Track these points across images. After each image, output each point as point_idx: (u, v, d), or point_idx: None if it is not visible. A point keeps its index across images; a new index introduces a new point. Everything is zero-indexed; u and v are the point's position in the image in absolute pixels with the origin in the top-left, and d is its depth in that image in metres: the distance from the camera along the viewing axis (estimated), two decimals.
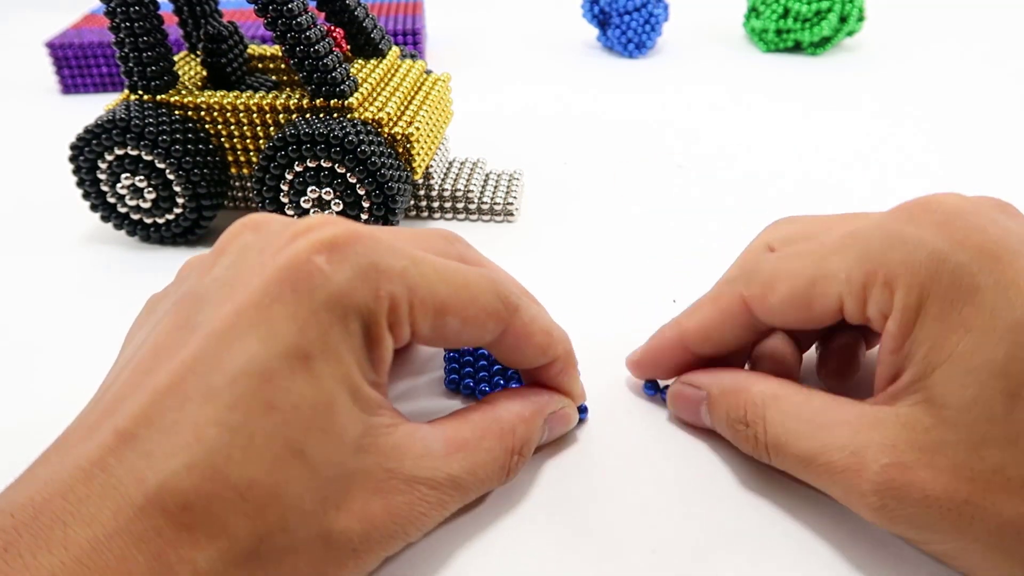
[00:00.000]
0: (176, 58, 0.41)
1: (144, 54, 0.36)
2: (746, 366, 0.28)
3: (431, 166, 0.40)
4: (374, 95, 0.38)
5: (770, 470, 0.24)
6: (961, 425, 0.19)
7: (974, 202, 0.22)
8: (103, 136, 0.36)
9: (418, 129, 0.37)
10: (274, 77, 0.43)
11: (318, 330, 0.19)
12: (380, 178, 0.35)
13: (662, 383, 0.28)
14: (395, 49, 0.41)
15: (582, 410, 0.27)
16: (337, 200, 0.35)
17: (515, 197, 0.41)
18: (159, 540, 0.17)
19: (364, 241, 0.20)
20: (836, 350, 0.27)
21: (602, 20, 0.64)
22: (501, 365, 0.27)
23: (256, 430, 0.18)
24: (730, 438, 0.25)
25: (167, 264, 0.32)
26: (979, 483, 0.19)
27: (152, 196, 0.37)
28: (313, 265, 0.19)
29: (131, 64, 0.36)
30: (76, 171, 0.37)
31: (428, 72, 0.43)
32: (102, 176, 0.37)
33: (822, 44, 0.64)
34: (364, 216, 0.36)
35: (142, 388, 0.18)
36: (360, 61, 0.40)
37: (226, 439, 0.17)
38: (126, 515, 0.16)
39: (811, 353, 0.29)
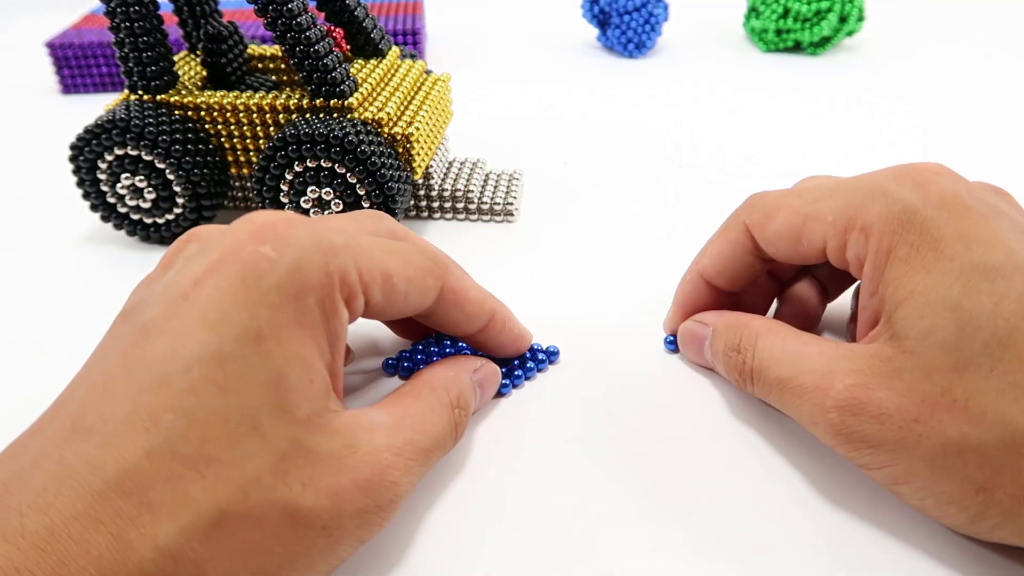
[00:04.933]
0: (176, 58, 0.41)
1: (144, 54, 0.36)
2: (772, 309, 0.31)
3: (431, 166, 0.40)
4: (374, 95, 0.38)
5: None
6: (917, 353, 0.21)
7: (966, 181, 0.24)
8: (103, 136, 0.36)
9: (418, 129, 0.37)
10: (274, 77, 0.43)
11: (269, 311, 0.20)
12: (380, 178, 0.35)
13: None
14: (395, 49, 0.41)
15: (553, 352, 0.29)
16: (337, 200, 0.35)
17: (515, 197, 0.41)
18: (119, 520, 0.17)
19: (302, 225, 0.22)
20: None
21: (602, 20, 0.64)
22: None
23: (211, 411, 0.18)
24: (723, 368, 0.27)
25: None
26: (928, 404, 0.21)
27: (152, 196, 0.37)
28: (259, 254, 0.20)
29: (131, 64, 0.36)
30: (76, 171, 0.37)
31: (428, 72, 0.43)
32: (102, 176, 0.37)
33: (822, 44, 0.64)
34: None
35: (92, 385, 0.19)
36: (360, 61, 0.40)
37: (182, 423, 0.18)
38: (85, 501, 0.17)
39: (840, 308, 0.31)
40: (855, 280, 0.30)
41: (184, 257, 0.22)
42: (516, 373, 0.28)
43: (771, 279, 0.30)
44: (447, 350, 0.29)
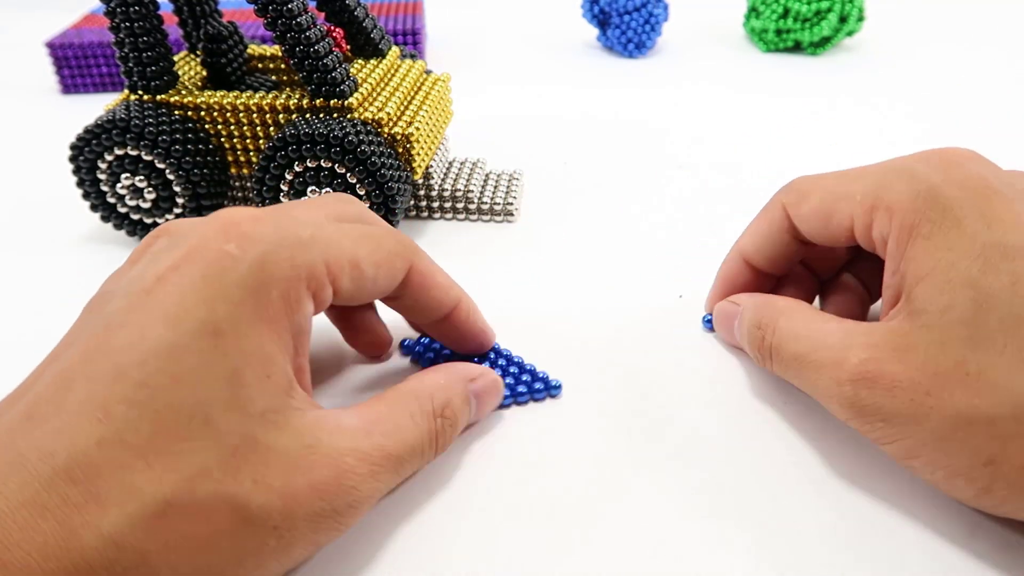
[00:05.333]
0: (176, 58, 0.41)
1: (144, 54, 0.36)
2: (816, 302, 0.31)
3: (431, 166, 0.40)
4: (374, 95, 0.38)
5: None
6: (935, 327, 0.21)
7: (996, 166, 0.24)
8: (103, 136, 0.36)
9: (418, 129, 0.37)
10: (274, 77, 0.43)
11: (228, 306, 0.20)
12: (380, 178, 0.35)
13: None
14: (395, 49, 0.41)
15: (555, 386, 0.28)
16: None
17: (515, 197, 0.41)
18: (66, 508, 0.17)
19: (268, 221, 0.22)
20: None
21: (602, 20, 0.64)
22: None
23: (163, 403, 0.18)
24: (747, 345, 0.28)
25: None
26: (940, 377, 0.21)
27: (152, 196, 0.37)
28: (223, 253, 0.20)
29: (131, 64, 0.36)
30: (76, 171, 0.37)
31: (428, 72, 0.43)
32: (102, 176, 0.37)
33: (822, 44, 0.64)
34: None
35: (50, 374, 0.19)
36: (360, 61, 0.40)
37: (134, 414, 0.18)
38: (32, 488, 0.17)
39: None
40: None
41: (152, 252, 0.22)
42: (520, 390, 0.28)
43: (811, 275, 0.30)
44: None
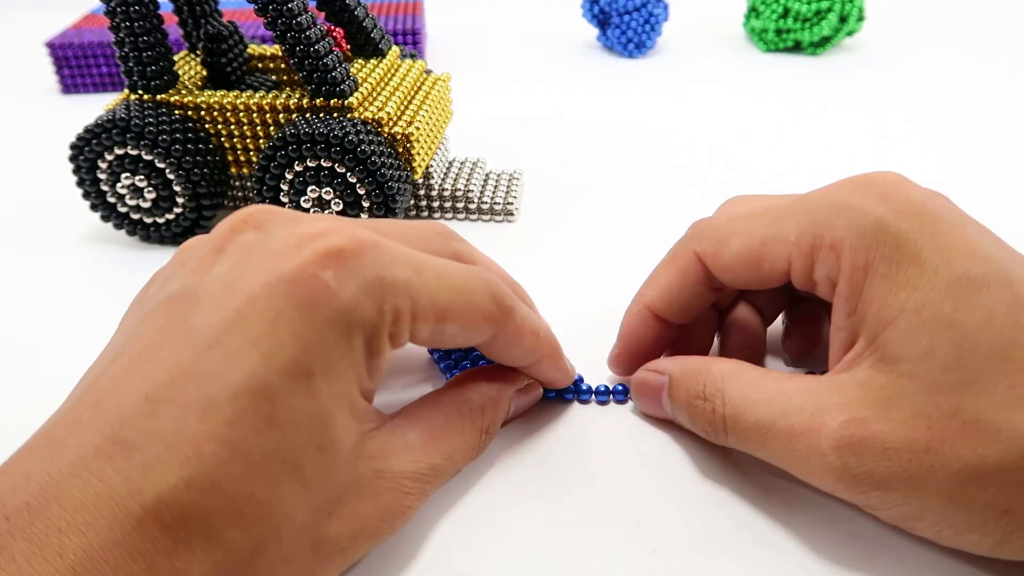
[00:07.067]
0: (176, 58, 0.41)
1: (144, 54, 0.36)
2: (715, 337, 0.29)
3: (431, 166, 0.40)
4: (374, 95, 0.38)
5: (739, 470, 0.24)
6: (917, 375, 0.20)
7: (922, 187, 0.23)
8: (103, 136, 0.36)
9: (418, 129, 0.37)
10: (274, 77, 0.43)
11: (322, 348, 0.19)
12: (380, 178, 0.35)
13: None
14: (395, 49, 0.41)
15: (587, 390, 0.28)
16: (337, 200, 0.35)
17: (515, 197, 0.41)
18: (154, 552, 0.16)
19: (369, 252, 0.20)
20: (801, 321, 0.29)
21: (602, 20, 0.64)
22: None
23: (255, 447, 0.18)
24: (688, 419, 0.25)
25: None
26: (936, 430, 0.19)
27: (152, 196, 0.37)
28: (319, 281, 0.19)
29: (131, 64, 0.36)
30: (76, 171, 0.37)
31: (428, 72, 0.43)
32: (102, 176, 0.37)
33: (822, 44, 0.64)
34: (364, 216, 0.36)
35: (135, 390, 0.18)
36: (360, 61, 0.40)
37: (225, 455, 0.17)
38: (123, 527, 0.16)
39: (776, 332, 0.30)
40: (788, 303, 0.29)
41: (242, 248, 0.21)
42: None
43: (712, 309, 0.28)
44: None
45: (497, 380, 0.25)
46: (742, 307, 0.29)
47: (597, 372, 0.29)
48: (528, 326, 0.24)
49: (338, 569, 0.20)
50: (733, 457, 0.25)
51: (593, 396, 0.28)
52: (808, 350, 0.28)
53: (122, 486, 0.17)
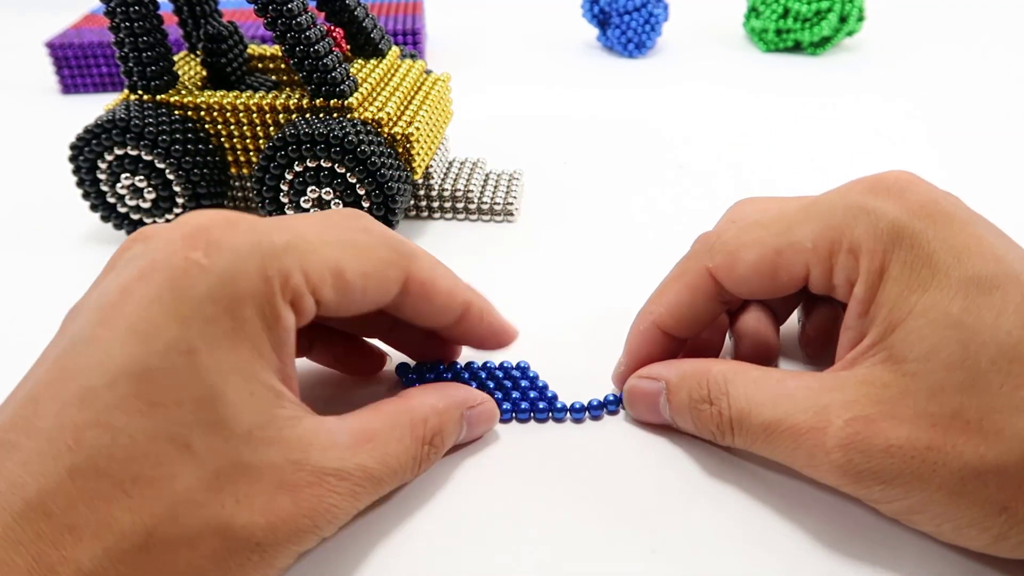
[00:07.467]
0: (176, 58, 0.41)
1: (144, 54, 0.36)
2: (727, 339, 0.29)
3: (431, 166, 0.40)
4: (374, 95, 0.38)
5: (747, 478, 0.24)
6: (921, 374, 0.20)
7: (934, 186, 0.23)
8: (103, 136, 0.36)
9: (418, 129, 0.37)
10: (274, 77, 0.43)
11: (203, 324, 0.19)
12: (380, 178, 0.35)
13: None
14: (395, 49, 0.41)
15: (613, 402, 0.27)
16: (337, 200, 0.35)
17: (515, 197, 0.41)
18: (39, 542, 0.16)
19: (238, 226, 0.20)
20: (816, 319, 0.28)
21: (602, 20, 0.64)
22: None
23: (138, 428, 0.18)
24: (690, 423, 0.25)
25: None
26: (940, 428, 0.20)
27: (152, 196, 0.37)
28: (189, 262, 0.19)
29: (131, 64, 0.36)
30: (76, 171, 0.37)
31: (428, 72, 0.43)
32: (102, 176, 0.37)
33: (822, 44, 0.64)
34: None
35: (18, 394, 0.19)
36: (360, 61, 0.40)
37: (107, 440, 0.17)
38: (4, 521, 0.16)
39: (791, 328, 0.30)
40: (804, 299, 0.29)
41: (125, 259, 0.21)
42: (523, 406, 0.27)
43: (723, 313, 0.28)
44: (463, 375, 0.28)
45: (446, 394, 0.25)
46: (754, 309, 0.28)
47: (596, 369, 0.29)
48: (441, 271, 0.24)
49: (258, 567, 0.19)
50: (732, 458, 0.25)
51: (587, 412, 0.27)
52: (823, 347, 0.28)
53: (2, 483, 0.17)
